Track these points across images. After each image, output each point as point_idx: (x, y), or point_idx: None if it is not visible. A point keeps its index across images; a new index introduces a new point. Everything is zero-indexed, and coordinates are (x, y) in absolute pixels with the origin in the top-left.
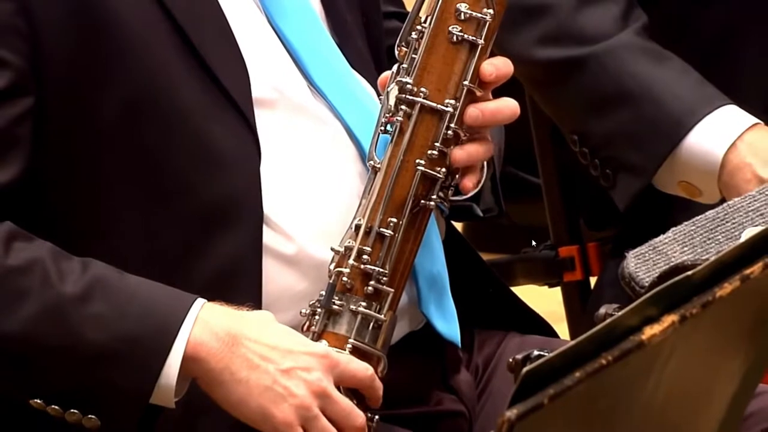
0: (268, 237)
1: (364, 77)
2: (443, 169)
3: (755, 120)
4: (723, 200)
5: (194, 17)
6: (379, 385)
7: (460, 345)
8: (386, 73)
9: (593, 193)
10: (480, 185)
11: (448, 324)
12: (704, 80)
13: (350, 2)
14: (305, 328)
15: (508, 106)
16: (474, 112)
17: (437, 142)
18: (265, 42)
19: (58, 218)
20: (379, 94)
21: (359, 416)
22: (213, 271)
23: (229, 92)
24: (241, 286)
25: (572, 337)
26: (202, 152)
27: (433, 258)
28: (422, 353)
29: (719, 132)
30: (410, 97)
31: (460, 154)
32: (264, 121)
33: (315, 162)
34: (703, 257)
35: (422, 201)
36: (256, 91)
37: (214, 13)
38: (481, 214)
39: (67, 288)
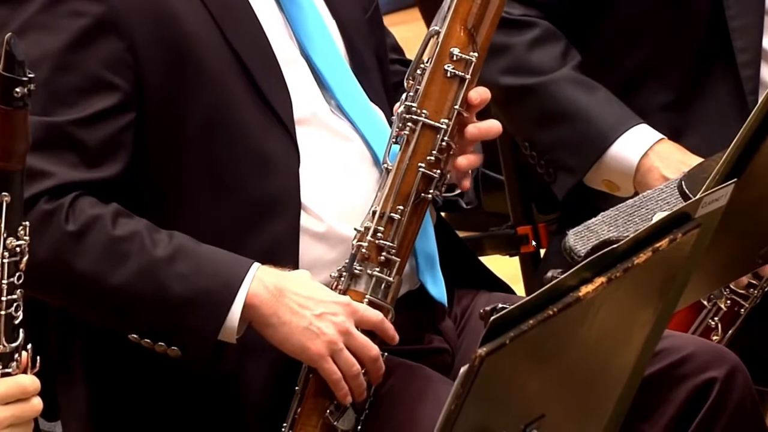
0: (305, 220)
1: (376, 104)
2: (438, 171)
3: (661, 135)
4: (636, 194)
5: (252, 54)
6: (389, 326)
7: (446, 304)
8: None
9: (543, 187)
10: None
11: (437, 288)
12: (624, 105)
13: (368, 47)
14: (333, 287)
15: (495, 126)
16: (473, 130)
17: (434, 150)
18: (301, 72)
19: (151, 201)
20: (388, 117)
21: (373, 348)
22: (262, 246)
23: (278, 113)
24: (284, 257)
25: (527, 294)
26: (257, 158)
27: (428, 240)
28: (418, 306)
29: (635, 144)
30: (415, 117)
31: (464, 162)
32: (303, 135)
33: (341, 165)
34: (625, 234)
35: (422, 194)
36: (297, 112)
37: (265, 50)
38: (465, 206)
39: (158, 252)
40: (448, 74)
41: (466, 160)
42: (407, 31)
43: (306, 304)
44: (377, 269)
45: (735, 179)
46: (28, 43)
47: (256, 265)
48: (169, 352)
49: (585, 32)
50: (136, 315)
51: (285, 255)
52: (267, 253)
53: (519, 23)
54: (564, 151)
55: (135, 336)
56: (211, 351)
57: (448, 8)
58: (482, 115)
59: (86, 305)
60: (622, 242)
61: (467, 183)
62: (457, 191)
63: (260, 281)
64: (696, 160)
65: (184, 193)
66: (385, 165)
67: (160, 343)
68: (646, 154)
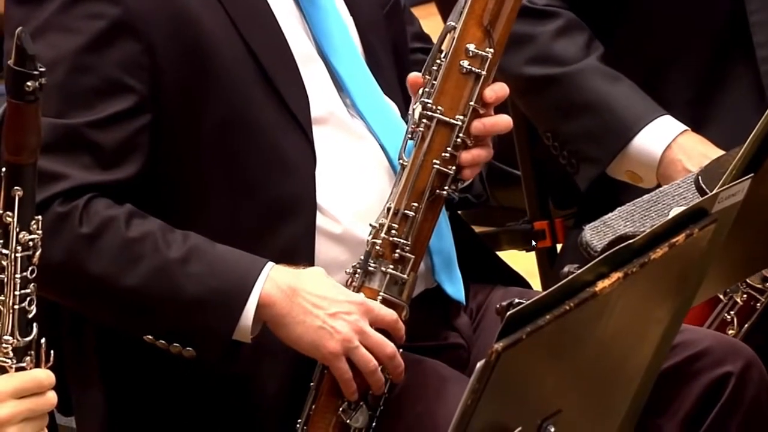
0: (321, 221)
1: (391, 99)
2: (453, 168)
3: (685, 127)
4: (658, 185)
5: (270, 53)
6: (402, 327)
7: (464, 303)
8: (416, 74)
9: (559, 182)
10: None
11: (454, 287)
12: (647, 96)
13: (384, 43)
14: (348, 283)
15: (503, 120)
16: (478, 124)
17: (449, 147)
18: (318, 72)
19: (166, 202)
20: (402, 114)
21: (389, 346)
22: (278, 247)
23: (294, 113)
24: (299, 258)
25: (543, 289)
26: (273, 158)
27: (443, 239)
28: (434, 303)
29: (658, 135)
30: (430, 113)
31: (467, 156)
32: (319, 135)
33: (356, 166)
34: (641, 230)
35: (437, 191)
36: (314, 112)
37: (283, 49)
38: (475, 201)
39: (172, 253)
40: (464, 71)
41: (470, 155)
42: (423, 26)
43: (320, 303)
44: (391, 266)
45: (752, 174)
46: (45, 44)
47: (269, 264)
48: (183, 353)
49: (603, 26)
50: (150, 316)
51: (301, 256)
52: (283, 254)
53: (543, 13)
54: (587, 142)
55: (150, 337)
56: (225, 351)
57: (464, 4)
58: (499, 108)
59: (100, 307)
60: (639, 237)
61: (467, 173)
62: (465, 183)
63: (273, 281)
64: (718, 152)
65: (201, 193)
66: (401, 161)
67: (174, 344)
68: (669, 146)
